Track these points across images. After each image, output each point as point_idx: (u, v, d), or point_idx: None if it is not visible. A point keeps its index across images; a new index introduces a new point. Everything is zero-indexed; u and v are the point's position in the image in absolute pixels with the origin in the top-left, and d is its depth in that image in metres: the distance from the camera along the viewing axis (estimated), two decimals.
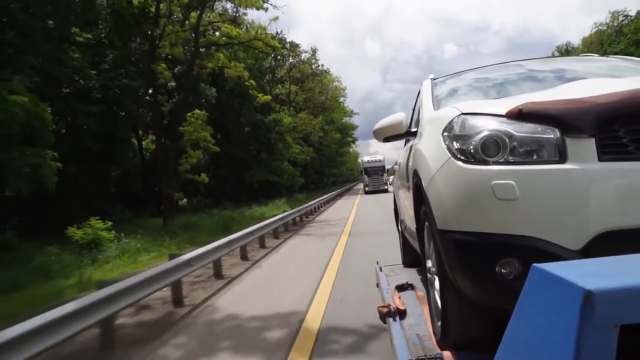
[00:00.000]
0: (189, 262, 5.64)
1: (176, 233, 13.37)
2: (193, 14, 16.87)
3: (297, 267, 7.44)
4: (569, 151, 1.36)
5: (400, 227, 3.95)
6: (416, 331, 2.09)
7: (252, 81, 18.74)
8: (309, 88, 38.62)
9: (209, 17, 18.36)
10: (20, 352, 2.84)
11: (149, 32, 15.91)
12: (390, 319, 2.30)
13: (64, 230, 10.99)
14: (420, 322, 2.21)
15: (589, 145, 1.34)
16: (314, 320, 4.23)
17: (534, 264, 0.81)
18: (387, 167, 36.17)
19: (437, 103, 2.44)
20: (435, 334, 1.96)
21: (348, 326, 3.94)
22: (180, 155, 15.83)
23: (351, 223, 13.70)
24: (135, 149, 23.45)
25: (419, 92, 3.06)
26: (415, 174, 2.01)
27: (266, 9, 17.91)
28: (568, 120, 1.37)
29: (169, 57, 17.51)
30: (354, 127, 59.15)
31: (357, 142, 67.48)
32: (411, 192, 2.28)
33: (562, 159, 1.37)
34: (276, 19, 21.18)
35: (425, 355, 1.75)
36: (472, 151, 1.50)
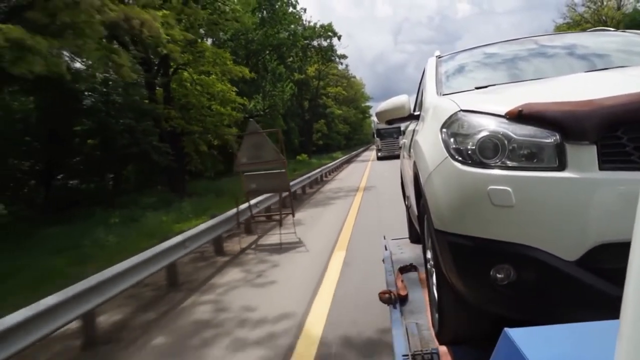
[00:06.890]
0: (343, 159, 35.44)
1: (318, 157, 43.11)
2: (315, 82, 45.96)
3: (362, 161, 36.98)
4: (569, 158, 1.31)
5: (406, 202, 3.85)
6: (416, 319, 2.12)
7: (335, 106, 48.25)
8: (345, 90, 67.55)
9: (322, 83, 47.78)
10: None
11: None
12: (391, 306, 2.33)
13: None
14: (420, 308, 2.23)
15: (590, 152, 1.28)
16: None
17: (506, 328, 0.81)
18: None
19: (440, 86, 2.41)
20: (433, 326, 1.97)
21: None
22: (312, 133, 45.50)
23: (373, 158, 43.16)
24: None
25: (424, 71, 2.92)
26: (415, 165, 2.02)
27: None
28: (569, 125, 1.30)
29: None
30: (370, 107, 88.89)
31: (369, 109, 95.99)
32: (413, 178, 2.22)
33: (561, 166, 1.32)
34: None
35: (422, 350, 1.76)
36: (469, 152, 1.46)
